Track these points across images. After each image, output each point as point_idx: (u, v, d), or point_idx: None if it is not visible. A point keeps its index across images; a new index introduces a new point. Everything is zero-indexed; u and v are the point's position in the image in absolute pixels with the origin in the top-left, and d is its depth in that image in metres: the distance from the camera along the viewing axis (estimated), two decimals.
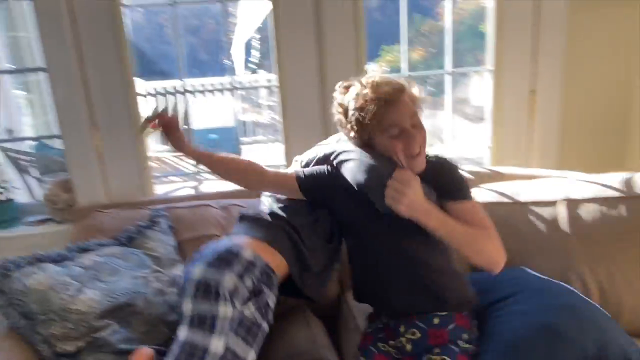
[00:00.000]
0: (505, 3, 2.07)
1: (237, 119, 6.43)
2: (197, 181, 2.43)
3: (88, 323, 1.41)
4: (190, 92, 2.04)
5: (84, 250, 1.62)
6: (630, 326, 1.48)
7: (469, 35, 3.36)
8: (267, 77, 6.39)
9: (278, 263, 1.33)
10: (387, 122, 1.25)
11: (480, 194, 1.77)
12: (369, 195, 1.27)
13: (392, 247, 1.32)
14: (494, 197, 1.77)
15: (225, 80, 6.42)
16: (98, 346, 1.40)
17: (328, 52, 2.03)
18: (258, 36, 7.00)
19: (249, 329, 1.22)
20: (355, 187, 1.31)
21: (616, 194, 1.63)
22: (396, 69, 2.41)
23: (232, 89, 2.52)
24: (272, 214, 1.45)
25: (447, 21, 2.15)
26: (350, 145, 1.38)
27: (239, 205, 1.89)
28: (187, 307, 1.22)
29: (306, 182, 1.43)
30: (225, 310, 1.19)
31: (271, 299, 1.27)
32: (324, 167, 1.43)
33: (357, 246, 1.41)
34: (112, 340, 1.42)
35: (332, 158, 1.41)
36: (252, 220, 1.46)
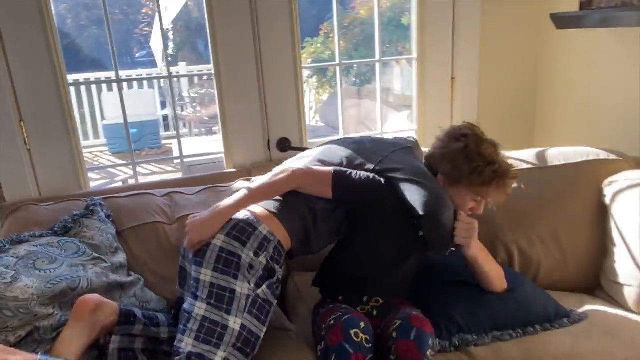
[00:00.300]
0: None
1: (158, 113, 6.24)
2: (131, 174, 2.37)
3: (28, 310, 1.35)
4: (115, 81, 1.98)
5: (18, 242, 1.55)
6: (547, 280, 1.69)
7: (391, 27, 3.53)
8: (188, 69, 6.26)
9: (284, 239, 1.37)
10: (488, 193, 1.42)
11: None
12: (431, 224, 1.35)
13: (403, 255, 1.46)
14: None
15: (145, 72, 6.22)
16: (41, 334, 1.36)
17: (264, 42, 2.07)
18: (171, 26, 6.80)
19: (262, 307, 1.28)
20: (418, 210, 1.33)
21: (531, 166, 1.84)
22: (321, 59, 2.48)
23: (158, 78, 2.49)
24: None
25: (375, 13, 2.27)
26: (399, 161, 1.42)
27: (181, 193, 1.89)
28: (206, 275, 1.26)
29: (345, 183, 1.40)
30: (242, 288, 1.25)
31: (280, 274, 1.34)
32: (377, 177, 1.41)
33: (364, 245, 1.45)
34: (57, 326, 1.37)
35: (381, 169, 1.41)
36: None
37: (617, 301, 1.61)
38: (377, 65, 2.34)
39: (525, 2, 2.30)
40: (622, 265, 1.60)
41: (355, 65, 4.68)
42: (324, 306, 1.44)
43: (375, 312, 1.45)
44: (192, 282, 1.30)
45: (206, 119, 5.63)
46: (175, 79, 6.16)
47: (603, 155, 1.81)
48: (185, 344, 1.21)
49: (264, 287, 1.28)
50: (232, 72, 2.08)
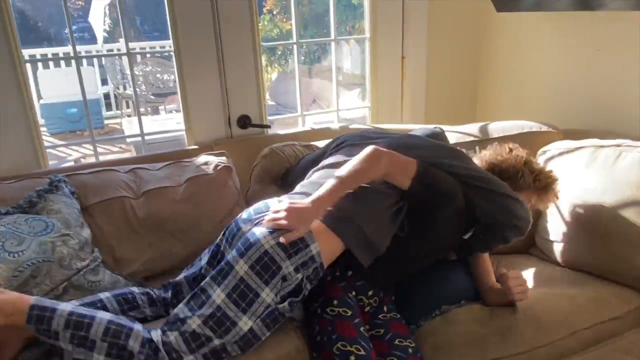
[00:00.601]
0: None
1: (99, 91, 6.03)
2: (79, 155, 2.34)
3: None
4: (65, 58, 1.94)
5: None
6: None
7: (340, 6, 3.62)
8: (141, 45, 6.07)
9: (333, 254, 1.35)
10: (547, 198, 1.61)
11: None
12: (515, 233, 1.46)
13: (439, 254, 1.58)
14: None
15: (83, 49, 5.95)
16: None
17: (223, 18, 2.10)
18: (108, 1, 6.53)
19: (276, 319, 1.29)
20: (508, 220, 1.42)
21: (473, 139, 2.02)
22: (270, 38, 2.52)
23: (119, 55, 2.45)
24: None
25: None
26: (470, 167, 1.48)
27: (145, 169, 1.92)
28: (241, 269, 1.26)
29: (426, 178, 1.38)
30: (267, 296, 1.26)
31: (305, 295, 1.32)
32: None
33: (416, 242, 1.45)
34: None
35: (460, 172, 1.43)
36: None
37: (549, 257, 1.82)
38: (332, 44, 2.43)
39: None
40: (552, 224, 1.81)
41: (304, 45, 4.73)
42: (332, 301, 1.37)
43: (368, 309, 1.47)
44: (223, 265, 1.29)
45: (152, 97, 5.51)
46: (117, 57, 5.97)
47: (537, 127, 2.01)
48: (192, 322, 1.23)
49: (286, 303, 1.28)
50: (191, 49, 2.10)
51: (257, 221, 1.35)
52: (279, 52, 5.41)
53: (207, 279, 1.30)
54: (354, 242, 1.34)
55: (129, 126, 4.45)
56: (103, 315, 1.23)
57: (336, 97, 2.52)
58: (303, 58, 5.17)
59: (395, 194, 1.39)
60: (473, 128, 2.07)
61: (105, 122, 6.08)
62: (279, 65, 5.54)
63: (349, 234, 1.34)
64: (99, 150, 5.01)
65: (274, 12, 5.52)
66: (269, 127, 2.29)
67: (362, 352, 1.25)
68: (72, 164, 3.80)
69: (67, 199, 1.69)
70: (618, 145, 1.70)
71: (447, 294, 1.55)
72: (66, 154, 5.07)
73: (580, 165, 1.73)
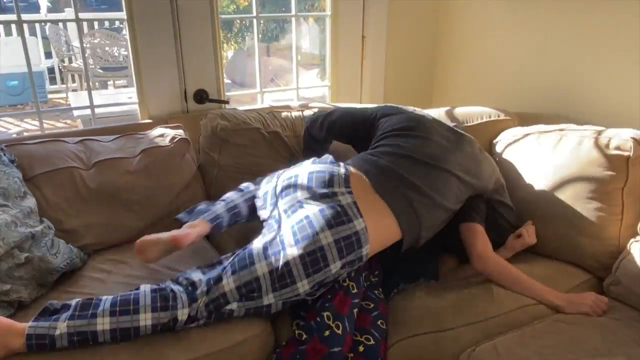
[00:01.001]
0: None
1: (42, 64, 5.69)
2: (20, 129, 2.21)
3: None
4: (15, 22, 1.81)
5: None
6: None
7: None
8: (93, 15, 5.72)
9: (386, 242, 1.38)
10: None
11: None
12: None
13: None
14: None
15: (27, 17, 5.58)
16: None
17: None
18: None
19: (296, 302, 1.32)
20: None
21: None
22: (225, 13, 2.45)
23: (65, 21, 2.30)
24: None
25: None
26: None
27: (95, 140, 1.84)
28: (292, 253, 1.25)
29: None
30: (302, 287, 1.26)
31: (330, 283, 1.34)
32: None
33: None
34: None
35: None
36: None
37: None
38: (293, 20, 2.40)
39: None
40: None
41: (262, 21, 4.64)
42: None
43: (368, 284, 1.48)
44: (278, 242, 1.29)
45: (100, 71, 5.26)
46: (61, 27, 5.64)
47: (495, 115, 2.03)
48: (226, 283, 1.26)
49: (315, 294, 1.31)
50: (146, 19, 2.01)
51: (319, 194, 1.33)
52: (236, 29, 5.29)
53: (259, 247, 1.30)
54: (408, 239, 1.39)
55: (76, 100, 4.24)
56: (104, 323, 1.20)
57: (296, 74, 2.49)
58: (260, 36, 5.08)
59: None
60: (440, 113, 2.08)
61: (49, 96, 5.76)
62: (235, 42, 5.41)
63: (410, 229, 1.38)
64: (44, 126, 4.80)
65: None
66: (227, 102, 2.24)
67: (339, 332, 1.26)
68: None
69: (5, 167, 1.58)
70: (561, 130, 1.76)
71: (405, 274, 1.58)
72: (5, 129, 4.79)
73: (526, 152, 1.79)
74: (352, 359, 1.29)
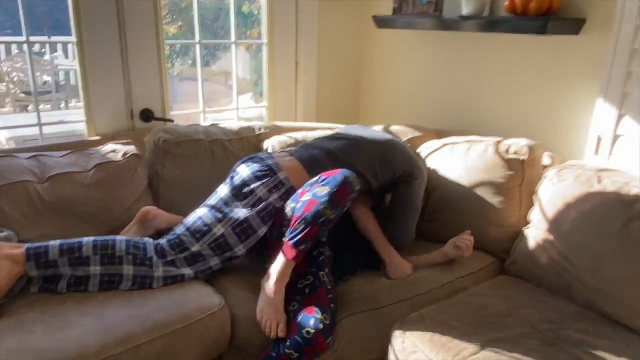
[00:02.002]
0: None
1: None
2: None
3: None
4: None
5: None
6: None
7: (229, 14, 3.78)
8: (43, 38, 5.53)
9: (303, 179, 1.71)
10: None
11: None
12: None
13: None
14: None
15: None
16: None
17: (127, 14, 2.17)
18: None
19: (245, 230, 1.66)
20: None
21: None
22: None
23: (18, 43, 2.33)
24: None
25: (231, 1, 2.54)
26: None
27: (47, 155, 1.91)
28: (223, 189, 1.73)
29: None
30: (241, 211, 1.65)
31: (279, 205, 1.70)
32: None
33: None
34: None
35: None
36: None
37: (422, 234, 2.18)
38: (233, 46, 2.61)
39: (354, 4, 2.82)
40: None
41: (195, 48, 4.80)
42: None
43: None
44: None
45: (22, 95, 5.12)
46: None
47: (420, 132, 2.37)
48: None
49: (255, 214, 1.68)
50: (94, 42, 2.13)
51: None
52: (166, 55, 5.40)
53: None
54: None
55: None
56: (87, 238, 1.56)
57: (236, 95, 2.69)
58: (190, 62, 5.22)
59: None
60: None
61: None
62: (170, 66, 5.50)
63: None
64: None
65: (166, 16, 5.46)
66: (171, 120, 2.39)
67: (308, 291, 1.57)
68: None
69: None
70: (469, 141, 2.11)
71: (348, 267, 1.82)
72: None
73: (444, 159, 2.12)
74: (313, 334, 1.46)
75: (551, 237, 1.71)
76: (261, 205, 1.67)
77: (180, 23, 5.13)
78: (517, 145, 1.94)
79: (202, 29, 2.52)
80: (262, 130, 2.27)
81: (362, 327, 1.58)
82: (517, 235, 1.88)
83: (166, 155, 2.05)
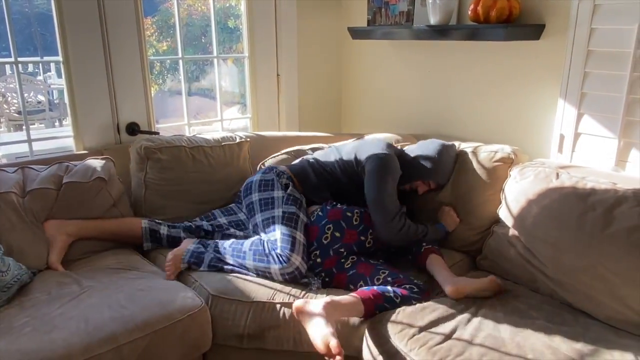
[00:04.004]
0: (254, 1, 2.69)
1: None
2: None
3: None
4: None
5: None
6: None
7: (217, 29, 3.89)
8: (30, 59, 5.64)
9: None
10: None
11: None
12: None
13: None
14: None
15: None
16: None
17: (111, 34, 2.28)
18: None
19: (295, 199, 1.90)
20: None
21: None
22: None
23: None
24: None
25: (212, 15, 2.64)
26: None
27: (32, 168, 2.00)
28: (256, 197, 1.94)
29: None
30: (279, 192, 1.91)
31: (299, 196, 1.94)
32: None
33: None
34: None
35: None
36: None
37: None
38: (215, 60, 2.71)
39: (331, 17, 2.93)
40: None
41: (184, 63, 4.90)
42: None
43: None
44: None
45: (16, 115, 5.23)
46: None
47: (397, 138, 2.46)
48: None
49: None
50: (80, 61, 2.23)
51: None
52: (157, 71, 5.50)
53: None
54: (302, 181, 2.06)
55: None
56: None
57: (220, 107, 2.79)
58: (181, 78, 5.32)
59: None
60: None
61: None
62: (156, 83, 5.61)
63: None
64: None
65: (149, 33, 5.58)
66: (157, 133, 2.48)
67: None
68: None
69: None
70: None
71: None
72: None
73: None
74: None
75: (516, 232, 1.79)
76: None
77: (169, 40, 5.26)
78: (487, 151, 2.02)
79: (191, 44, 2.62)
80: (243, 139, 2.37)
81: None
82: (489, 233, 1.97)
83: (147, 161, 2.15)
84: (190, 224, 2.04)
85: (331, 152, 2.13)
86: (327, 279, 1.79)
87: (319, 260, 1.80)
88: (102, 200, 2.04)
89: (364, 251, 1.85)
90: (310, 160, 2.13)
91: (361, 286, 1.71)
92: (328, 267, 1.79)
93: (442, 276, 1.72)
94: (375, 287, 1.64)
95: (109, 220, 2.02)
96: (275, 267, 1.72)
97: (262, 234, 1.85)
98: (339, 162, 2.04)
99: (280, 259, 1.72)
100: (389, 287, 1.64)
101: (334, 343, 1.38)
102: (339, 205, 1.90)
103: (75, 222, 1.94)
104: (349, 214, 1.85)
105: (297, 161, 2.20)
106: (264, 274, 1.75)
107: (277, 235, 1.78)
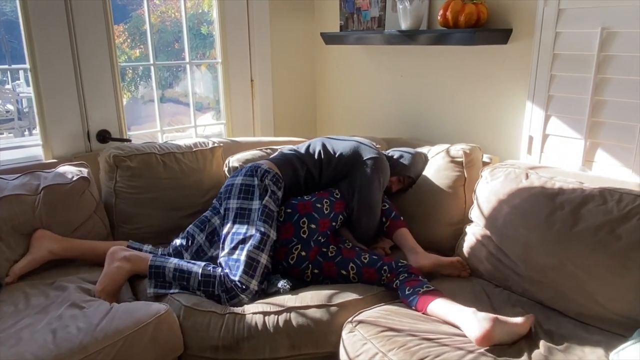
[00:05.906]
0: (226, 7, 2.68)
1: None
2: None
3: None
4: None
5: None
6: None
7: (191, 35, 3.87)
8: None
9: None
10: None
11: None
12: None
13: None
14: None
15: None
16: None
17: (80, 40, 2.24)
18: None
19: (268, 214, 1.80)
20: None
21: None
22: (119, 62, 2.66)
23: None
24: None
25: (183, 21, 2.63)
26: None
27: (2, 177, 1.95)
28: (234, 204, 1.84)
29: None
30: (256, 203, 1.81)
31: (279, 194, 1.89)
32: None
33: None
34: None
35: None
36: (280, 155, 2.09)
37: None
38: (188, 67, 2.69)
39: (304, 22, 2.95)
40: None
41: (157, 70, 4.86)
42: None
43: None
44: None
45: None
46: None
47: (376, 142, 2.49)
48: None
49: (268, 199, 1.84)
50: (48, 68, 2.19)
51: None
52: (129, 78, 5.44)
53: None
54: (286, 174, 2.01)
55: None
56: (196, 270, 1.74)
57: (193, 114, 2.77)
58: (153, 84, 5.27)
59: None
60: None
61: None
62: (128, 90, 5.54)
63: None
64: None
65: (122, 40, 5.51)
66: (129, 140, 2.45)
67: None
68: None
69: None
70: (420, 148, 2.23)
71: None
72: None
73: None
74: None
75: (488, 232, 1.82)
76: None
77: (142, 47, 5.21)
78: (455, 150, 2.07)
79: (164, 51, 2.60)
80: (216, 144, 2.35)
81: (315, 321, 1.64)
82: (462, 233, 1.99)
83: (117, 169, 2.12)
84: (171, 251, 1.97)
85: (316, 143, 2.12)
86: (316, 271, 1.82)
87: (303, 253, 1.82)
88: (86, 201, 2.01)
89: (334, 232, 1.98)
90: (296, 154, 2.08)
91: (352, 269, 1.79)
92: (314, 258, 1.82)
93: (408, 247, 1.94)
94: (420, 294, 1.65)
95: (95, 243, 1.96)
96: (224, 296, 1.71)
97: (225, 249, 1.79)
98: (326, 156, 2.05)
99: (239, 286, 1.70)
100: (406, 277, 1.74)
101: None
102: (306, 198, 1.93)
103: (64, 244, 1.89)
104: (318, 205, 1.90)
105: (278, 154, 2.12)
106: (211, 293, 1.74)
107: (242, 257, 1.73)
